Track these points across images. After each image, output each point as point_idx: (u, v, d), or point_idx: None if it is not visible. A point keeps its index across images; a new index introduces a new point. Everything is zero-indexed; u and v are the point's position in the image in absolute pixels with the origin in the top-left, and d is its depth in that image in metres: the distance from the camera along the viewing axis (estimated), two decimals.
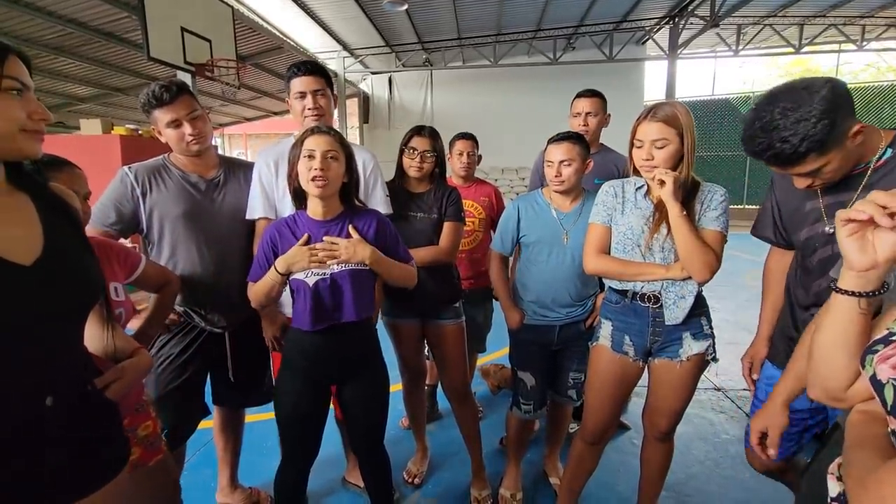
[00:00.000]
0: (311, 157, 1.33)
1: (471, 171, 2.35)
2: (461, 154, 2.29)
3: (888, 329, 0.69)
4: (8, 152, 0.76)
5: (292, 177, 1.38)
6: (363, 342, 1.47)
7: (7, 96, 0.73)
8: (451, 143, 2.32)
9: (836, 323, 0.75)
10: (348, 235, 1.38)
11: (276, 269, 1.34)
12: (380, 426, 1.54)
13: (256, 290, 1.41)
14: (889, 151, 1.08)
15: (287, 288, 1.42)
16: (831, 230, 1.13)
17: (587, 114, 2.15)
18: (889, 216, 0.64)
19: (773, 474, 1.48)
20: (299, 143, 1.36)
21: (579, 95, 2.20)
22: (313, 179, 1.32)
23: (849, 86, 1.02)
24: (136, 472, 1.21)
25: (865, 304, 0.72)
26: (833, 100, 0.97)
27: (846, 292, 0.73)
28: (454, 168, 2.31)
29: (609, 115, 2.24)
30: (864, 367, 0.69)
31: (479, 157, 2.40)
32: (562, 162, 1.65)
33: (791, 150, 1.00)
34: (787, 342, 1.33)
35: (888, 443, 0.66)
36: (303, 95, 1.63)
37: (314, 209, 1.40)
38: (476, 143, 2.36)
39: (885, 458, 0.63)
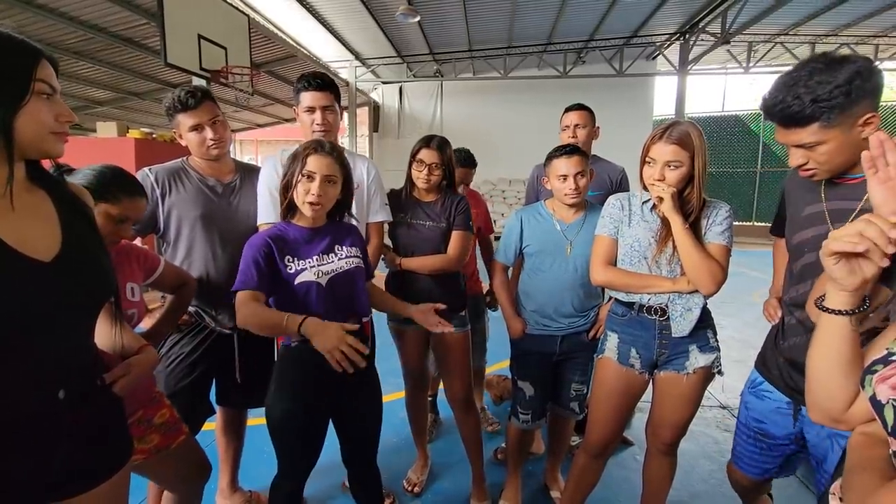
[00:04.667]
0: (310, 178, 1.30)
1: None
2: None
3: (887, 349, 0.69)
4: (35, 153, 0.78)
5: (287, 189, 1.33)
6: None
7: (39, 100, 0.74)
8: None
9: (828, 344, 0.75)
10: (331, 245, 1.38)
11: (300, 326, 1.21)
12: (377, 439, 1.53)
13: (261, 319, 1.24)
14: None
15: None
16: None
17: (576, 126, 2.19)
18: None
19: (747, 494, 1.49)
20: (302, 157, 1.32)
21: (568, 109, 2.25)
22: (310, 203, 1.30)
23: None
24: (160, 454, 1.27)
25: (856, 321, 0.72)
26: (859, 77, 0.95)
27: (838, 312, 0.72)
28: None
29: (598, 127, 2.26)
30: (863, 387, 0.69)
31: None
32: (577, 174, 1.66)
33: (799, 107, 0.98)
34: (773, 351, 1.32)
35: (889, 465, 0.66)
36: (311, 110, 1.65)
37: (305, 219, 1.38)
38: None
39: (885, 479, 0.63)
